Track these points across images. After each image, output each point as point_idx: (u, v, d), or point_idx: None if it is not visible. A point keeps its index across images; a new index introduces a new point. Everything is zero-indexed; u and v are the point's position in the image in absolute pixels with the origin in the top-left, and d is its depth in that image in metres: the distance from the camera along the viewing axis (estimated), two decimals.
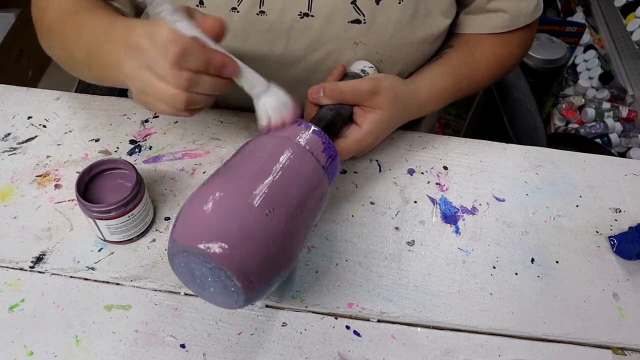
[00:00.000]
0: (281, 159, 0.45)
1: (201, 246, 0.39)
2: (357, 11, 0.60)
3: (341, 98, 0.56)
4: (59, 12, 0.62)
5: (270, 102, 0.48)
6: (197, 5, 0.60)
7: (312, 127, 0.49)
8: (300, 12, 0.60)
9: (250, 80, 0.48)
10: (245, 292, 0.41)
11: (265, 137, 0.48)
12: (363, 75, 0.61)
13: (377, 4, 0.59)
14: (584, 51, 1.89)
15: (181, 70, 0.43)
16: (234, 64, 0.46)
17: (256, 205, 0.41)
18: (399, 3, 0.59)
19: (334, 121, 0.56)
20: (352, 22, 0.60)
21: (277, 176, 0.44)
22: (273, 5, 0.59)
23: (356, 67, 0.62)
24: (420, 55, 0.66)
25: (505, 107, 0.92)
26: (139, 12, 0.68)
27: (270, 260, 0.42)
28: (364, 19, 0.60)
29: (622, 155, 1.68)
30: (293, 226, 0.44)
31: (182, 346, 0.49)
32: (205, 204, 0.41)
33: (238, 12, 0.59)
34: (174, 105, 0.46)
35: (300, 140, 0.47)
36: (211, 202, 0.41)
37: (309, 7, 0.59)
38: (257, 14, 0.60)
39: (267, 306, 0.53)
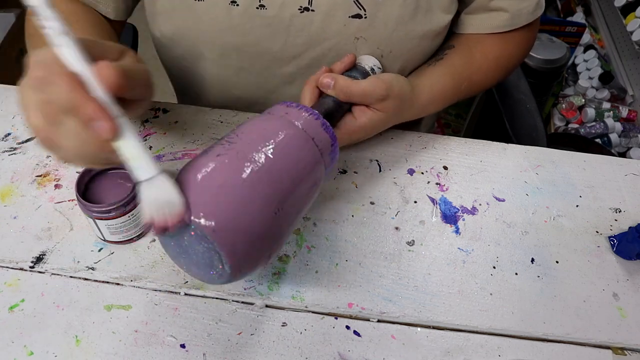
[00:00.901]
0: (290, 150, 0.44)
1: (206, 224, 0.38)
2: (358, 6, 0.59)
3: (350, 99, 0.56)
4: None
5: (152, 196, 0.38)
6: (195, 0, 0.59)
7: (318, 116, 0.48)
8: (301, 7, 0.60)
9: (135, 158, 0.37)
10: (229, 277, 0.41)
11: (274, 121, 0.46)
12: (372, 74, 0.61)
13: None
14: (584, 51, 1.89)
15: (44, 101, 0.36)
16: (109, 125, 0.35)
17: (268, 202, 0.41)
18: None
19: (335, 112, 0.56)
20: (353, 16, 0.60)
21: (289, 171, 0.43)
22: (273, 0, 0.59)
23: (366, 63, 0.61)
24: (421, 51, 0.66)
25: (505, 107, 0.92)
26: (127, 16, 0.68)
27: (264, 254, 0.42)
28: (365, 14, 0.60)
29: (622, 155, 1.68)
30: (291, 220, 0.44)
31: (182, 346, 0.49)
32: (212, 180, 0.40)
33: (237, 5, 0.59)
34: (39, 139, 0.38)
35: (307, 129, 0.46)
36: (218, 181, 0.40)
37: (310, 2, 0.59)
38: (257, 8, 0.59)
39: (267, 306, 0.53)
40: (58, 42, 0.35)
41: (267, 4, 0.59)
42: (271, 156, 0.42)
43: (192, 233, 0.39)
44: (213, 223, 0.38)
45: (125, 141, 0.36)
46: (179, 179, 0.41)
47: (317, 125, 0.47)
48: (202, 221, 0.38)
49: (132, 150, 0.37)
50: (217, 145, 0.43)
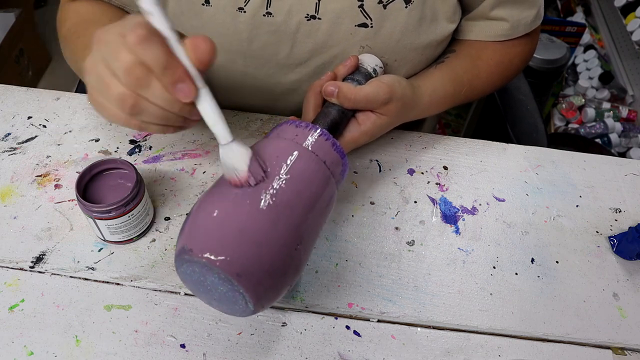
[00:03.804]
0: (306, 180, 0.43)
1: (231, 269, 0.38)
2: (364, 15, 0.60)
3: (354, 106, 0.56)
4: (76, 22, 0.63)
5: (226, 158, 0.42)
6: (203, 5, 0.59)
7: (328, 136, 0.47)
8: (308, 15, 0.60)
9: (212, 124, 0.42)
10: (252, 312, 0.41)
11: (286, 146, 0.45)
12: (374, 75, 0.61)
13: (385, 8, 0.59)
14: (584, 51, 1.89)
15: (137, 63, 0.38)
16: (190, 88, 0.39)
17: (289, 239, 0.41)
18: (406, 8, 0.60)
19: (340, 122, 0.56)
20: (359, 25, 0.60)
21: (306, 202, 0.43)
22: (280, 7, 0.59)
23: (368, 64, 0.61)
24: (424, 59, 0.66)
25: (505, 109, 0.92)
26: None
27: (286, 287, 0.43)
28: (372, 23, 0.60)
29: (622, 155, 1.68)
30: (309, 249, 0.44)
31: (182, 346, 0.49)
32: (234, 223, 0.40)
33: (245, 12, 0.59)
34: (121, 107, 0.40)
35: (319, 152, 0.45)
36: (240, 224, 0.40)
37: (316, 10, 0.59)
38: (264, 15, 0.60)
39: None
40: (152, 9, 0.38)
41: (274, 11, 0.59)
42: (289, 191, 0.42)
43: (216, 276, 0.39)
44: (237, 268, 0.38)
45: (204, 108, 0.41)
46: (198, 218, 0.41)
47: (328, 147, 0.47)
48: (227, 266, 0.38)
49: (212, 117, 0.41)
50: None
